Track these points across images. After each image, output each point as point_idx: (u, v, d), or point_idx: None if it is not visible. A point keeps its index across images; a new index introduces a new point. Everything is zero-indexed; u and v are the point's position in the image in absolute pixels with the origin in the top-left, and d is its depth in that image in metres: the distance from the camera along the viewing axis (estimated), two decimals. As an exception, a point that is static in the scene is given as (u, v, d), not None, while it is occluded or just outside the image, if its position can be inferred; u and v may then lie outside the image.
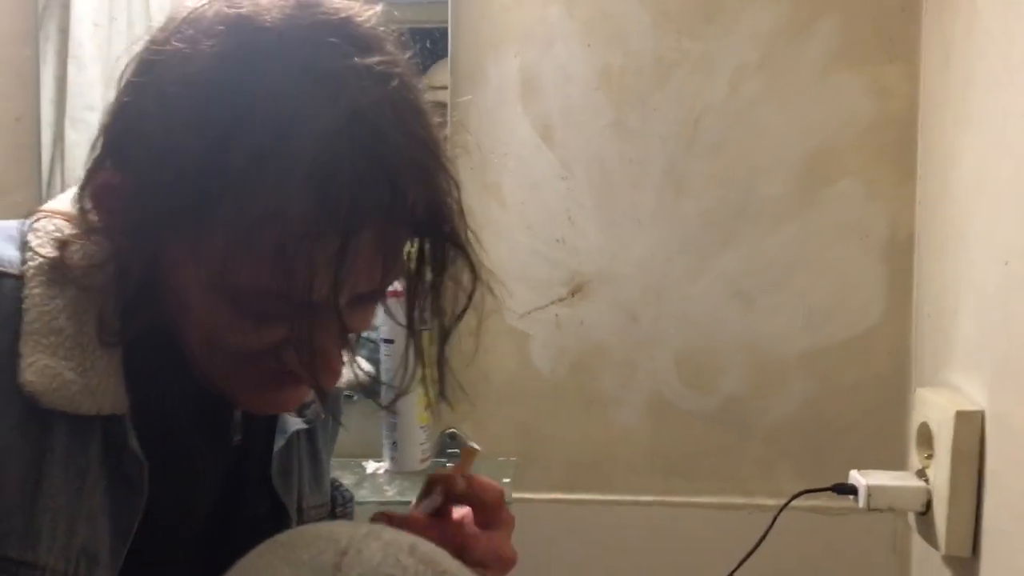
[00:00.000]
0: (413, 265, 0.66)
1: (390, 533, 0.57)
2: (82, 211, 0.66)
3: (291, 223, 0.58)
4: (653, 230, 1.64)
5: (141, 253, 0.63)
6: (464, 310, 0.68)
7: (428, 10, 1.65)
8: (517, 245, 1.65)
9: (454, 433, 1.66)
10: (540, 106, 1.64)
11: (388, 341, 1.45)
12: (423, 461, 1.59)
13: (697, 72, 1.61)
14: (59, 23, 1.66)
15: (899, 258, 1.61)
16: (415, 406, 1.54)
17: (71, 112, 1.64)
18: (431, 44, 1.64)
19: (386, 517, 0.69)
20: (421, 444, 1.58)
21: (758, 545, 1.37)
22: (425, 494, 0.75)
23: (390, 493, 1.50)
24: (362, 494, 1.46)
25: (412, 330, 0.68)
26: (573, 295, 1.66)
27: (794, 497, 1.40)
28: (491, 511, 0.77)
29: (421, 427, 1.57)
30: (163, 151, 0.60)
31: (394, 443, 1.58)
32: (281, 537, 0.60)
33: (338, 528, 0.58)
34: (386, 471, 1.58)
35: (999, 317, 1.18)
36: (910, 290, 1.61)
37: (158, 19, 0.65)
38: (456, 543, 0.72)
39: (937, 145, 1.50)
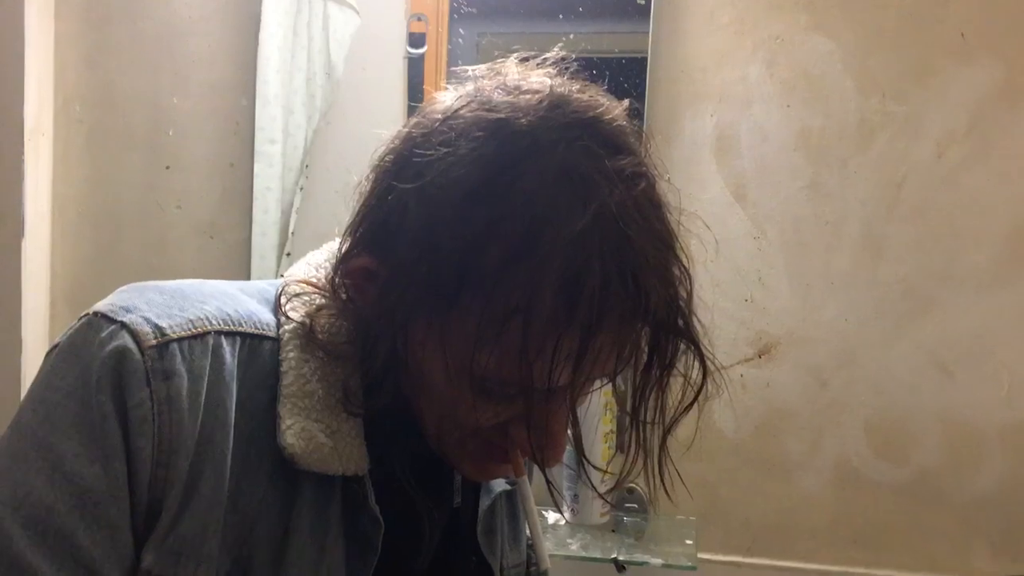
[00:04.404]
0: (644, 358, 0.66)
1: None
2: (334, 287, 0.70)
3: (537, 318, 0.60)
4: (847, 293, 1.61)
5: (389, 333, 0.66)
6: (691, 404, 0.68)
7: (627, 40, 1.67)
8: (704, 303, 1.64)
9: (633, 488, 1.65)
10: (734, 165, 1.63)
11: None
12: (602, 515, 1.59)
13: (902, 135, 1.57)
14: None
15: (1114, 334, 1.52)
16: (597, 461, 1.54)
17: (256, 146, 1.72)
18: (625, 78, 1.65)
19: None
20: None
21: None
22: None
23: (574, 547, 1.50)
24: (545, 546, 1.47)
25: (637, 420, 0.68)
26: (760, 356, 1.64)
27: (1000, 583, 1.34)
28: None
29: (601, 481, 1.57)
30: (422, 246, 0.62)
31: (575, 495, 1.58)
32: None
33: None
34: (567, 523, 1.58)
35: None
36: (1126, 368, 1.52)
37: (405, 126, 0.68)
38: None
39: None
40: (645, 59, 1.64)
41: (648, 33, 1.63)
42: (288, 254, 1.72)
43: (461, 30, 1.72)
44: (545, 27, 1.71)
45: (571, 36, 1.67)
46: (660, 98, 1.64)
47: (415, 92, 1.72)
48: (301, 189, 1.74)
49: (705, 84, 1.63)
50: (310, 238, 1.69)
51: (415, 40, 1.73)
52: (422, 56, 1.73)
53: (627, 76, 1.65)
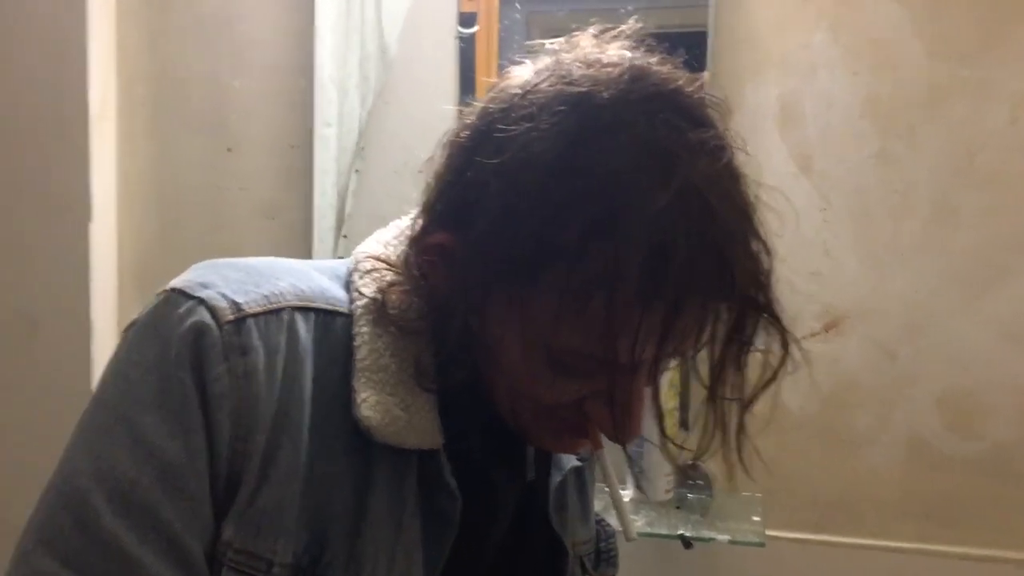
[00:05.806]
0: (725, 333, 0.64)
1: None
2: (407, 263, 0.70)
3: (620, 294, 0.59)
4: (916, 264, 1.57)
5: (464, 310, 0.66)
6: (771, 380, 0.67)
7: (686, 14, 1.64)
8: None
9: (697, 465, 1.64)
10: (799, 134, 1.60)
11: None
12: (667, 492, 1.58)
13: (974, 100, 1.52)
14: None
15: None
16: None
17: (314, 128, 1.72)
18: (686, 51, 1.61)
19: None
20: (666, 475, 1.57)
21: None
22: None
23: (639, 524, 1.49)
24: (611, 522, 1.46)
25: (714, 396, 0.67)
26: (827, 330, 1.61)
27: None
28: None
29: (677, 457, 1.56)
30: (501, 222, 0.62)
31: (640, 471, 1.57)
32: None
33: None
34: (631, 500, 1.58)
35: None
36: None
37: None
38: None
39: None
40: (704, 32, 1.60)
41: (708, 5, 1.60)
42: (345, 236, 1.73)
43: (517, 4, 1.70)
44: (598, 3, 1.68)
45: (628, 8, 1.64)
46: (721, 68, 1.61)
47: (467, 72, 1.71)
48: (356, 171, 1.74)
49: (767, 52, 1.60)
50: (367, 219, 1.70)
51: (466, 19, 1.72)
52: (473, 35, 1.71)
53: (687, 49, 1.62)
